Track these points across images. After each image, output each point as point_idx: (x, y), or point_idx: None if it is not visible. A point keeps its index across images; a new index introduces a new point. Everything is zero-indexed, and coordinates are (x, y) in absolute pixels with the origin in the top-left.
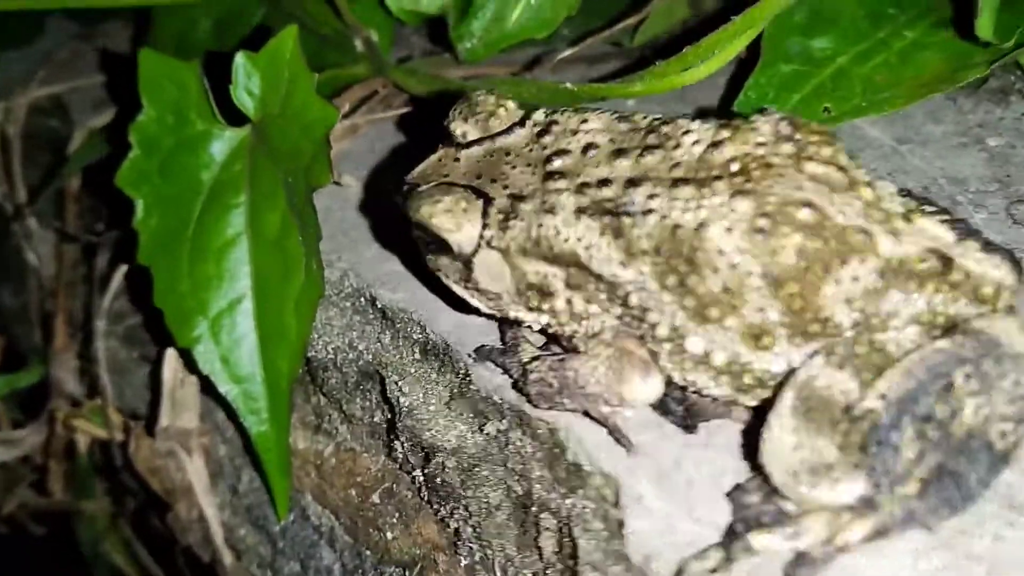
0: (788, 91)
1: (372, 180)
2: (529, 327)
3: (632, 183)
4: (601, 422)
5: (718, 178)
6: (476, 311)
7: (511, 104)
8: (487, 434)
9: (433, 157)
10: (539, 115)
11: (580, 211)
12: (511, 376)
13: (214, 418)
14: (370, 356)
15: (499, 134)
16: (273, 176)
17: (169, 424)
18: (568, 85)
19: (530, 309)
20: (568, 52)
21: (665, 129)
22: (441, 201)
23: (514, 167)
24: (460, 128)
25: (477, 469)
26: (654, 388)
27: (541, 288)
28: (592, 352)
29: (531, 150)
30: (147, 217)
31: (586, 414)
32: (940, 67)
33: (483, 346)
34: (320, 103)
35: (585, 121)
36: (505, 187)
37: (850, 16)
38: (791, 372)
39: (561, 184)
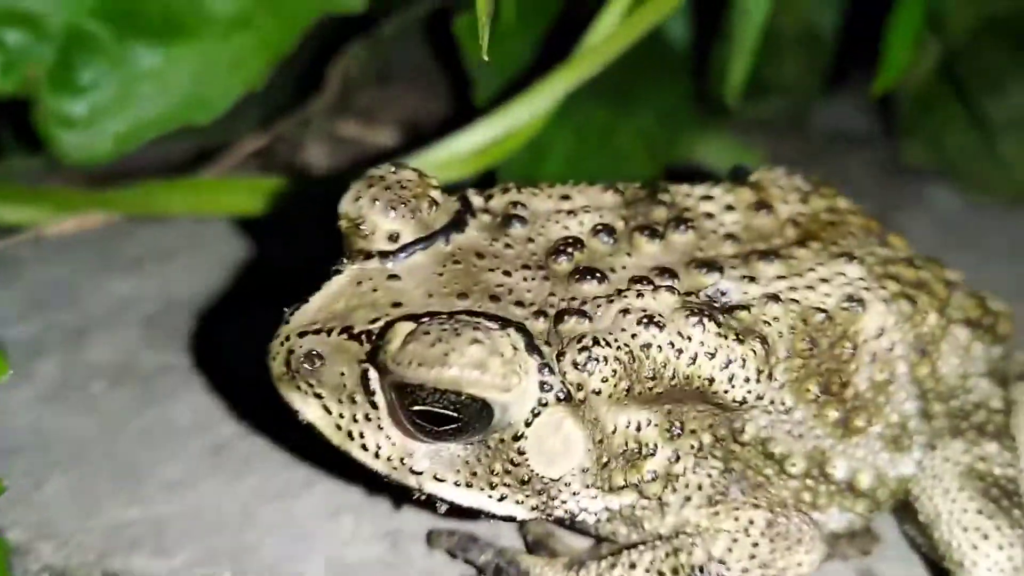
0: None
1: None
2: (571, 522)
3: (705, 266)
4: None
5: (799, 244)
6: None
7: (434, 182)
8: None
9: (340, 280)
10: (481, 199)
11: (691, 314)
12: None
13: None
14: None
15: (445, 231)
16: None
17: None
18: None
19: (609, 490)
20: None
21: (666, 198)
22: (473, 343)
23: (506, 273)
24: (384, 224)
25: None
26: (819, 554)
27: (635, 450)
28: (724, 524)
29: (510, 247)
30: None
31: None
32: None
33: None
34: None
35: (565, 198)
36: (519, 304)
37: None
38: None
39: (602, 289)
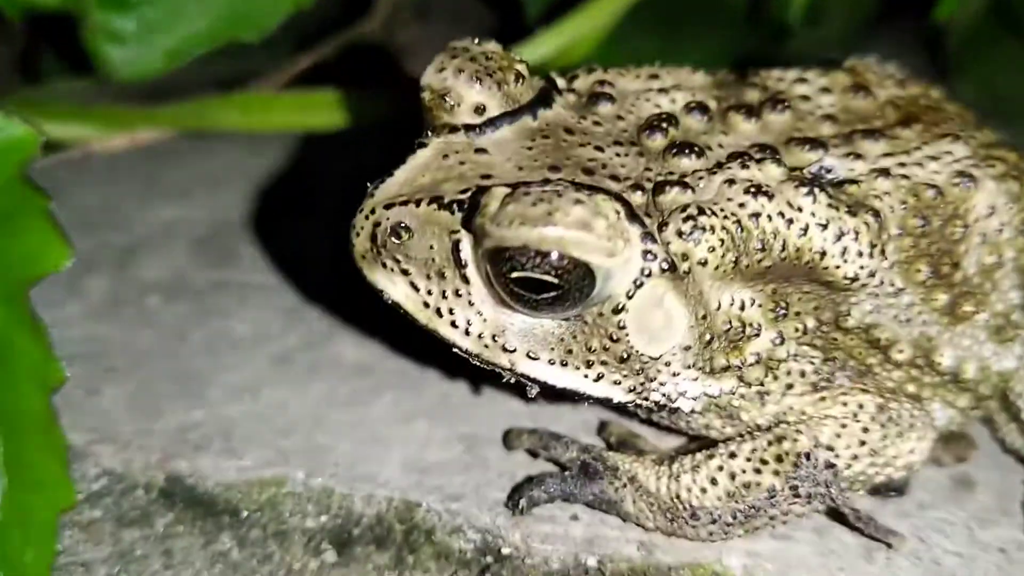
0: None
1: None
2: (663, 413)
3: (807, 143)
4: (852, 522)
5: (902, 125)
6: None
7: (522, 63)
8: None
9: (425, 154)
10: (564, 80)
11: (800, 184)
12: (627, 510)
13: None
14: None
15: (532, 106)
16: None
17: None
18: None
19: (710, 372)
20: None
21: (757, 80)
22: (577, 204)
23: (599, 149)
24: (471, 95)
25: None
26: (930, 443)
27: (739, 329)
28: (831, 410)
29: (599, 124)
30: None
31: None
32: None
33: (533, 480)
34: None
35: (654, 77)
36: (614, 178)
37: None
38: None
39: (702, 163)
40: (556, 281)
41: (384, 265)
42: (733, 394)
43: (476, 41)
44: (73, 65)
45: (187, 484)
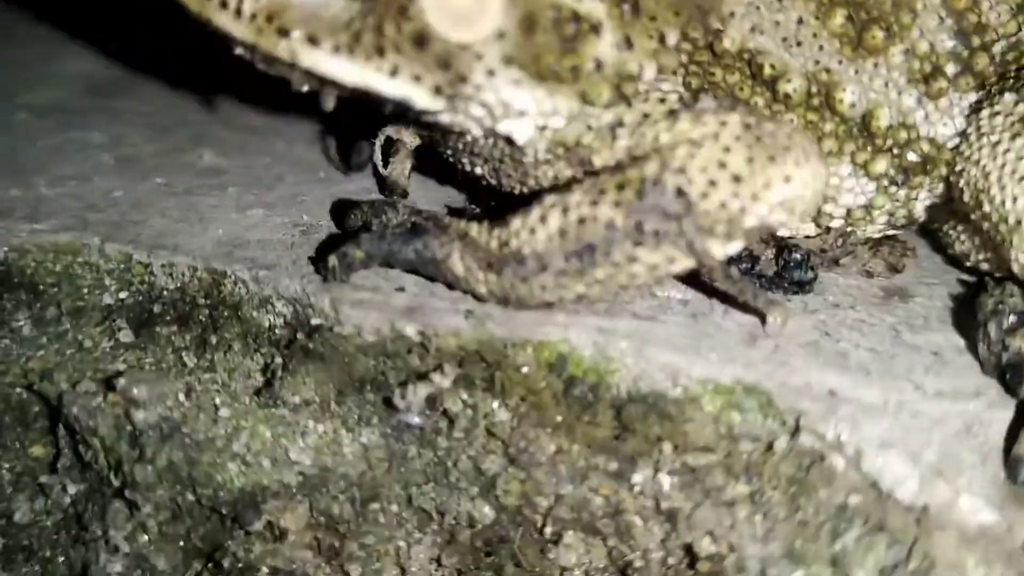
0: None
1: None
2: (492, 160)
3: None
4: (720, 282)
5: None
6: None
7: None
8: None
9: None
10: None
11: None
12: (453, 270)
13: None
14: None
15: None
16: None
17: None
18: None
19: (537, 77)
20: None
21: None
22: None
23: None
24: None
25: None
26: (815, 180)
27: (570, 21)
28: (687, 132)
29: None
30: None
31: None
32: None
33: (346, 238)
34: None
35: None
36: None
37: None
38: (962, 138)
39: None
40: None
41: None
42: (578, 123)
43: None
44: None
45: None
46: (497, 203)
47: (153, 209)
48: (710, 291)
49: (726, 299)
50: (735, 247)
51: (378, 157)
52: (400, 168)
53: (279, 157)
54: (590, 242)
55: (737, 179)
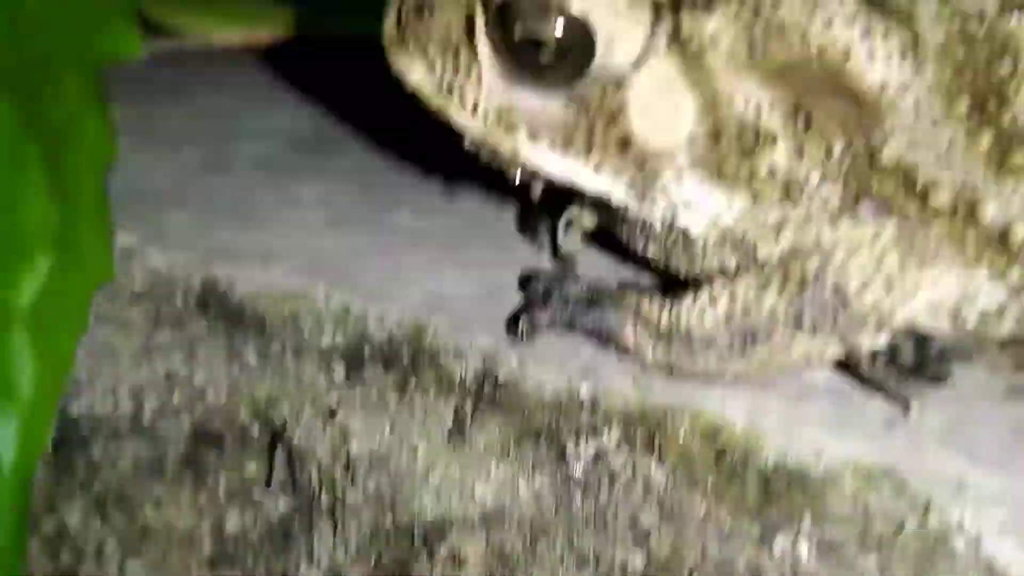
0: None
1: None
2: (668, 257)
3: None
4: (866, 371)
5: None
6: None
7: None
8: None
9: None
10: None
11: None
12: (625, 339)
13: None
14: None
15: None
16: None
17: None
18: None
19: (718, 177)
20: None
21: None
22: None
23: None
24: None
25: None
26: (959, 285)
27: (752, 132)
28: (846, 234)
29: None
30: None
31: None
32: None
33: (535, 303)
34: None
35: None
36: None
37: None
38: None
39: None
40: (555, 37)
41: (407, 47)
42: (747, 219)
43: None
44: None
45: (220, 291)
46: (664, 280)
47: (364, 264)
48: (854, 376)
49: (868, 384)
50: (883, 340)
51: (561, 234)
52: (575, 244)
53: (467, 221)
54: (753, 326)
55: (889, 281)
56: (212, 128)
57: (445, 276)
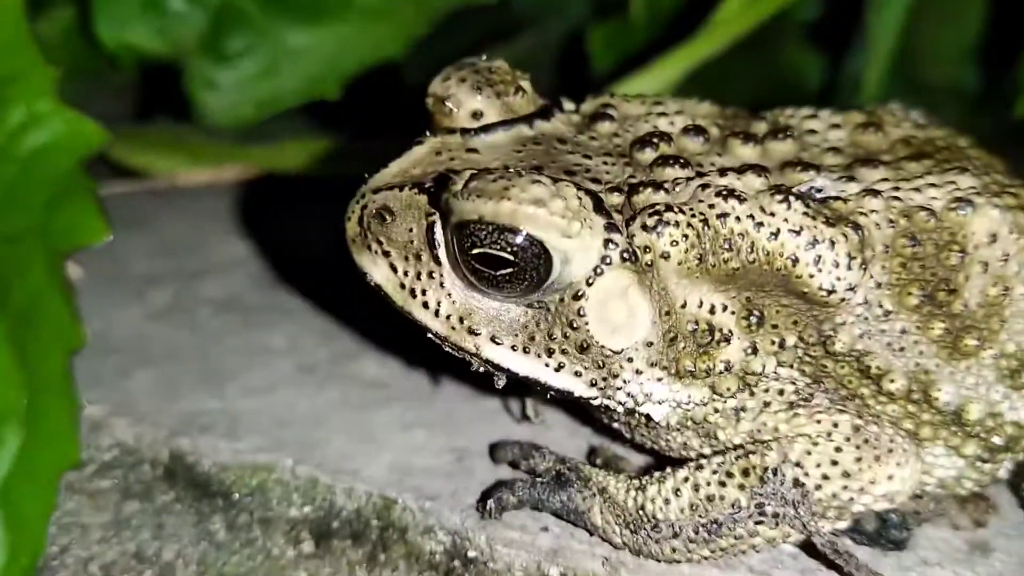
0: None
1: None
2: (634, 433)
3: (800, 165)
4: (829, 555)
5: (909, 159)
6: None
7: (525, 76)
8: None
9: (420, 150)
10: (572, 104)
11: (777, 193)
12: (594, 521)
13: None
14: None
15: (529, 117)
16: None
17: None
18: None
19: (676, 375)
20: None
21: (767, 115)
22: (535, 183)
23: (587, 157)
24: (470, 102)
25: None
26: (913, 477)
27: (706, 332)
28: (804, 428)
29: (594, 139)
30: None
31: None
32: None
33: (504, 484)
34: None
35: (658, 104)
36: (595, 181)
37: None
38: None
39: (684, 172)
40: (512, 258)
41: (370, 248)
42: (707, 406)
43: (484, 58)
44: (176, 112)
45: (188, 463)
46: (631, 446)
47: (332, 426)
48: (817, 551)
49: (831, 564)
50: (842, 526)
51: (531, 411)
52: (543, 417)
53: (432, 368)
54: (717, 518)
55: (847, 475)
56: (177, 267)
57: (412, 439)
